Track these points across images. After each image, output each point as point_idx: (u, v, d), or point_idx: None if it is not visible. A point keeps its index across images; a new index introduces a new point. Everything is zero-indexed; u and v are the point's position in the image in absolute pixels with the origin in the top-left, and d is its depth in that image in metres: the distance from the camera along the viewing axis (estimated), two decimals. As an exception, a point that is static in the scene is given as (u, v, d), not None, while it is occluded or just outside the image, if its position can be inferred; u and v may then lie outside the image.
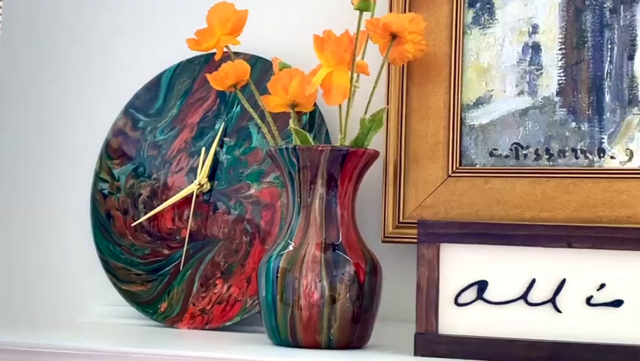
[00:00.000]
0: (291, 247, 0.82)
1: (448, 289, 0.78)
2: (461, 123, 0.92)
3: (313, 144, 0.84)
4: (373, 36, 0.85)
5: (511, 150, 0.90)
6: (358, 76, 0.85)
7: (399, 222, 0.92)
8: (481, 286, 0.78)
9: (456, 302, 0.78)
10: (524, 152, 0.90)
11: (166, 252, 1.04)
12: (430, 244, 0.78)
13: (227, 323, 0.97)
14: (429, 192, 0.91)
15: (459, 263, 0.78)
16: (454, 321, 0.78)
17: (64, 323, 1.06)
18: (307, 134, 0.84)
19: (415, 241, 0.90)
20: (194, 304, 1.00)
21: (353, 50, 0.80)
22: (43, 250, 1.14)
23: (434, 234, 0.78)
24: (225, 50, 0.91)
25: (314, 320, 0.80)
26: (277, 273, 0.81)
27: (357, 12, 0.82)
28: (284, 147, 0.83)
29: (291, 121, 0.87)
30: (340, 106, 0.83)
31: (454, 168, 0.91)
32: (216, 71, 0.88)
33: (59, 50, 1.17)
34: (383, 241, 0.93)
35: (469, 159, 0.91)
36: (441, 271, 0.78)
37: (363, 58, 0.86)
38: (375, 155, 0.84)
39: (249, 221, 0.99)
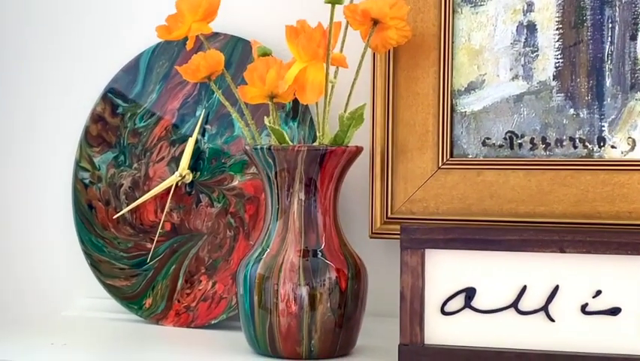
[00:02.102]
0: (268, 253, 0.79)
1: (433, 297, 0.75)
2: (452, 111, 0.87)
3: (290, 143, 0.80)
4: (352, 23, 0.80)
5: (505, 139, 0.86)
6: (337, 69, 0.80)
7: (387, 217, 0.89)
8: (469, 293, 0.75)
9: (442, 311, 0.75)
10: (519, 141, 0.86)
11: (149, 246, 1.01)
12: (414, 250, 0.75)
13: (212, 321, 0.95)
14: (418, 186, 0.88)
15: (445, 270, 0.75)
16: (440, 331, 0.75)
17: (49, 317, 1.05)
18: (284, 132, 0.81)
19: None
20: (179, 301, 0.98)
21: (327, 45, 0.76)
22: (26, 242, 1.13)
23: (418, 240, 0.75)
24: (200, 37, 0.87)
25: (293, 329, 0.77)
26: (255, 280, 0.79)
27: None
28: (259, 147, 0.79)
29: (266, 118, 0.83)
30: (317, 103, 0.79)
31: (445, 160, 0.87)
32: (187, 64, 0.84)
33: (31, 32, 1.13)
34: (371, 237, 0.90)
35: (460, 149, 0.87)
36: (426, 278, 0.75)
37: (343, 47, 0.82)
38: (357, 152, 0.80)
39: (233, 214, 0.97)
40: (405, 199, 0.88)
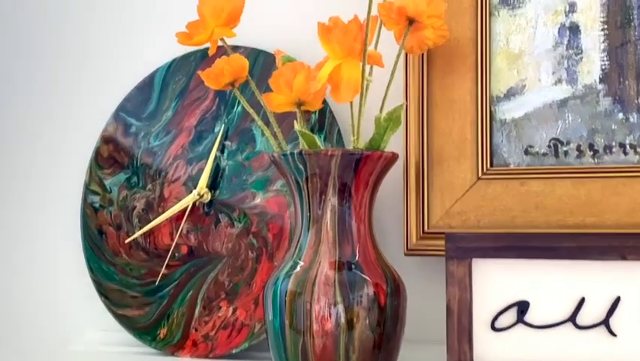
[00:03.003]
0: (300, 267, 0.74)
1: (483, 311, 0.70)
2: (491, 118, 0.83)
3: (322, 147, 0.75)
4: (387, 22, 0.76)
5: (549, 146, 0.81)
6: (371, 68, 0.76)
7: (423, 232, 0.84)
8: (522, 307, 0.69)
9: (492, 327, 0.70)
10: (565, 148, 0.81)
11: (165, 271, 0.96)
12: (460, 260, 0.70)
13: (233, 351, 0.89)
14: (456, 198, 0.83)
15: (495, 281, 0.70)
16: (490, 349, 0.69)
17: (55, 353, 0.99)
18: (315, 136, 0.76)
19: (443, 253, 0.82)
20: (196, 330, 0.92)
21: (364, 39, 0.72)
22: (30, 270, 1.07)
23: (465, 248, 0.70)
24: (221, 43, 0.83)
25: (329, 350, 0.71)
26: (285, 297, 0.73)
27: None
28: (288, 152, 0.74)
29: (296, 122, 0.79)
30: (351, 103, 0.75)
31: (485, 169, 0.82)
32: (210, 68, 0.80)
33: (40, 51, 1.10)
34: (406, 255, 0.84)
35: (501, 158, 0.83)
36: (474, 291, 0.70)
37: (376, 47, 0.78)
38: (393, 158, 0.76)
39: (255, 234, 0.91)
40: (442, 212, 0.83)
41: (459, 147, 0.83)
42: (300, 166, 0.74)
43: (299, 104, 0.80)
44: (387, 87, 0.76)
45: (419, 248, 0.84)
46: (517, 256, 0.69)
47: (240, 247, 0.92)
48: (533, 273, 0.69)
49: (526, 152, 0.82)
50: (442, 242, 0.82)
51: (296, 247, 0.76)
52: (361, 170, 0.74)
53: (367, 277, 0.73)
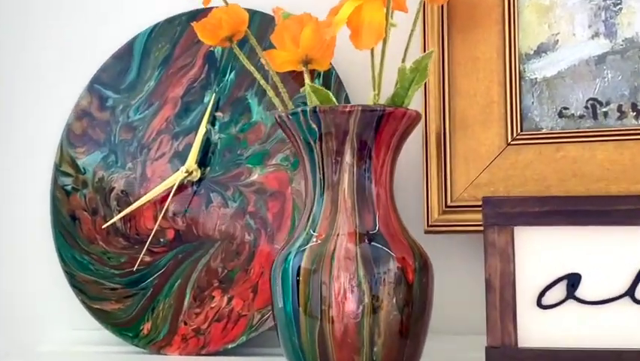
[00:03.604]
0: (314, 240, 0.65)
1: (527, 286, 0.62)
2: (520, 77, 0.76)
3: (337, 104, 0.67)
4: (408, -36, 0.69)
5: (586, 107, 0.74)
6: (393, 13, 0.69)
7: (446, 206, 0.76)
8: (572, 280, 0.62)
9: (539, 304, 0.62)
10: (604, 109, 0.74)
11: (148, 259, 0.87)
12: (502, 227, 0.62)
13: (229, 346, 0.80)
14: (483, 167, 0.75)
15: (541, 251, 0.62)
16: (537, 328, 0.62)
17: (23, 355, 0.89)
18: (329, 92, 0.68)
19: (467, 229, 0.75)
20: (185, 323, 0.83)
21: (388, -24, 0.64)
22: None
23: (506, 214, 0.62)
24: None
25: (351, 335, 0.63)
26: (298, 276, 0.64)
27: None
28: (299, 110, 0.66)
29: (306, 77, 0.71)
30: (372, 52, 0.67)
31: (515, 134, 0.75)
32: (206, 19, 0.72)
33: (6, 21, 1.00)
34: (426, 232, 0.77)
35: (532, 122, 0.75)
36: (517, 262, 0.62)
37: (396, -7, 0.70)
38: (417, 118, 0.68)
39: (253, 215, 0.83)
40: (467, 184, 0.76)
41: (484, 111, 0.76)
42: (313, 125, 0.66)
43: (306, 62, 0.72)
44: (410, 35, 0.69)
45: (441, 224, 0.76)
46: (567, 222, 0.61)
47: (235, 229, 0.84)
48: (586, 241, 0.61)
49: (561, 114, 0.75)
50: (467, 217, 0.76)
51: (308, 218, 0.67)
52: (383, 129, 0.66)
53: (392, 251, 0.65)
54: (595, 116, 0.74)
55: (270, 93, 0.72)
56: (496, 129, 0.75)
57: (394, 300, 0.64)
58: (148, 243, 0.86)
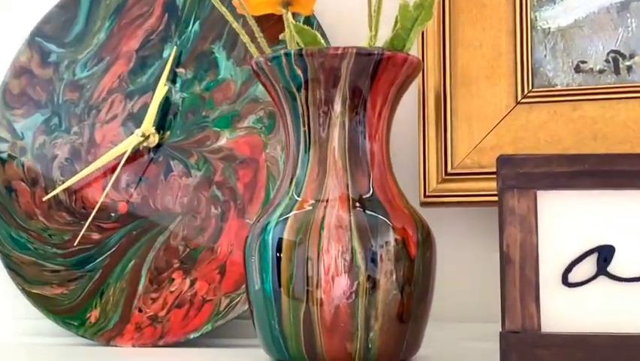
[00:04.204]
0: (298, 207, 0.56)
1: (552, 261, 0.54)
2: (531, 27, 0.68)
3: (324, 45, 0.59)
4: None
5: (607, 61, 0.67)
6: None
7: (446, 173, 0.68)
8: (605, 254, 0.54)
9: (565, 281, 0.54)
10: (627, 63, 0.66)
11: (96, 236, 0.77)
12: (523, 190, 0.54)
13: (191, 335, 0.71)
14: (489, 128, 0.67)
15: (569, 220, 0.54)
16: (563, 311, 0.53)
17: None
18: (317, 33, 0.59)
19: (470, 200, 0.67)
20: (140, 310, 0.73)
21: None
22: None
23: (528, 175, 0.54)
24: None
25: (343, 318, 0.54)
26: (280, 249, 0.55)
27: None
28: (282, 52, 0.57)
29: (288, 19, 0.62)
30: (369, -15, 0.58)
31: (526, 91, 0.67)
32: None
33: None
34: (423, 203, 0.68)
35: (544, 77, 0.67)
36: (541, 232, 0.54)
37: None
38: (419, 65, 0.59)
39: (220, 185, 0.73)
40: (470, 148, 0.67)
41: (491, 64, 0.68)
42: (298, 71, 0.57)
43: (287, 4, 0.63)
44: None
45: (439, 194, 0.68)
46: (601, 184, 0.53)
47: (200, 201, 0.74)
48: (622, 208, 0.53)
49: (578, 69, 0.67)
50: (470, 185, 0.67)
51: (291, 182, 0.58)
52: (380, 77, 0.57)
53: (391, 220, 0.56)
54: (617, 70, 0.66)
55: (245, 39, 0.63)
56: (504, 86, 0.67)
57: (394, 277, 0.55)
58: (91, 217, 0.76)
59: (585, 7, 0.67)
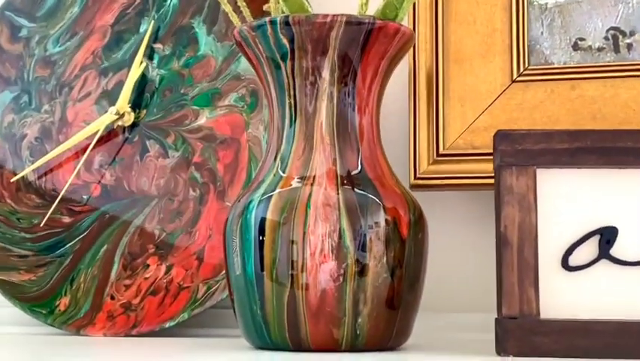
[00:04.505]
0: (283, 185, 0.53)
1: (552, 242, 0.51)
2: (527, 2, 0.65)
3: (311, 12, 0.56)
4: None
5: (606, 38, 0.64)
6: None
7: (437, 154, 0.65)
8: (608, 235, 0.51)
9: (565, 265, 0.51)
10: (627, 41, 0.64)
11: (66, 220, 0.73)
12: (522, 168, 0.51)
13: (167, 324, 0.67)
14: (483, 108, 0.64)
15: (570, 199, 0.51)
16: (564, 296, 0.51)
17: None
18: (304, 0, 0.56)
19: (463, 182, 0.64)
20: (113, 298, 0.70)
21: None
22: None
23: (528, 152, 0.51)
24: None
25: (330, 303, 0.51)
26: (262, 230, 0.52)
27: None
28: (267, 19, 0.54)
29: (266, 5, 0.59)
30: (361, -52, 0.55)
31: (522, 69, 0.64)
32: None
33: None
34: (413, 186, 0.65)
35: (540, 55, 0.65)
36: (540, 212, 0.51)
37: None
38: (411, 37, 0.57)
39: (199, 166, 0.70)
40: (463, 128, 0.65)
41: (485, 41, 0.65)
42: (284, 40, 0.54)
43: (271, -29, 0.60)
44: (405, -64, 0.57)
45: (431, 176, 0.65)
46: (604, 162, 0.50)
47: (177, 183, 0.71)
48: (626, 187, 0.51)
49: (576, 46, 0.65)
50: (462, 167, 0.65)
51: (275, 158, 0.55)
52: (371, 48, 0.54)
53: (382, 199, 0.53)
54: (617, 48, 0.64)
55: (227, 8, 0.60)
56: (498, 63, 0.65)
57: (384, 260, 0.52)
58: (59, 198, 0.72)
59: (584, -18, 0.65)
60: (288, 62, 0.55)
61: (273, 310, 0.52)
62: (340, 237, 0.51)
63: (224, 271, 0.66)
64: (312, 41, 0.54)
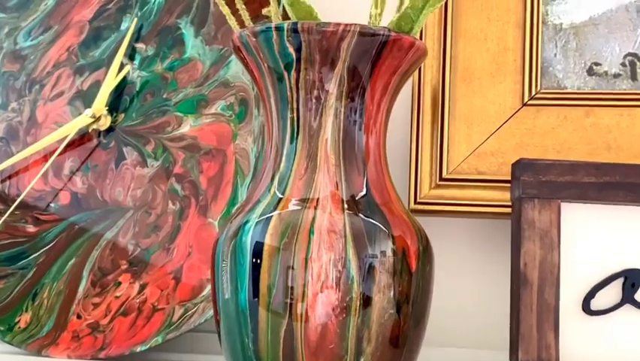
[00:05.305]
0: (282, 207, 0.49)
1: (573, 284, 0.48)
2: (541, 22, 0.62)
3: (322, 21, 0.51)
4: None
5: (623, 65, 0.61)
6: None
7: (440, 178, 0.61)
8: (632, 278, 0.48)
9: (586, 309, 0.48)
10: (645, 68, 0.61)
11: (31, 229, 0.68)
12: (545, 201, 0.47)
13: (138, 348, 0.62)
14: (491, 131, 0.61)
15: (594, 237, 0.48)
16: (583, 343, 0.47)
17: None
18: (312, 7, 0.52)
19: (466, 210, 0.60)
20: (79, 317, 0.64)
21: None
22: None
23: (552, 184, 0.47)
24: None
25: (331, 339, 0.47)
26: (259, 254, 0.48)
27: None
28: (273, 25, 0.50)
29: (265, 9, 0.55)
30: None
31: (534, 92, 0.61)
32: None
33: None
34: (413, 211, 0.61)
35: (553, 78, 0.61)
36: (563, 250, 0.47)
37: None
38: (424, 53, 0.53)
39: (180, 178, 0.65)
40: (468, 152, 0.61)
41: (496, 59, 0.61)
42: (290, 49, 0.50)
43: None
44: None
45: (433, 201, 0.61)
46: (632, 199, 0.47)
47: (156, 195, 0.66)
48: (653, 226, 0.48)
49: (591, 71, 0.61)
50: (466, 193, 0.61)
51: (273, 177, 0.51)
52: (384, 62, 0.50)
53: (391, 227, 0.49)
54: (634, 75, 0.61)
55: (225, 10, 0.55)
56: (509, 84, 0.61)
57: (391, 294, 0.48)
58: (17, 202, 0.67)
59: (602, 3, 0.62)
60: (293, 73, 0.50)
61: (267, 343, 0.47)
62: (345, 266, 0.47)
63: (203, 294, 0.62)
64: (320, 51, 0.49)
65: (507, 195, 0.59)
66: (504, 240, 0.65)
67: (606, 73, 0.61)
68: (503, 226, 0.63)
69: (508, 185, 0.59)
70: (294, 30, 0.49)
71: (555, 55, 0.62)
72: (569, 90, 0.61)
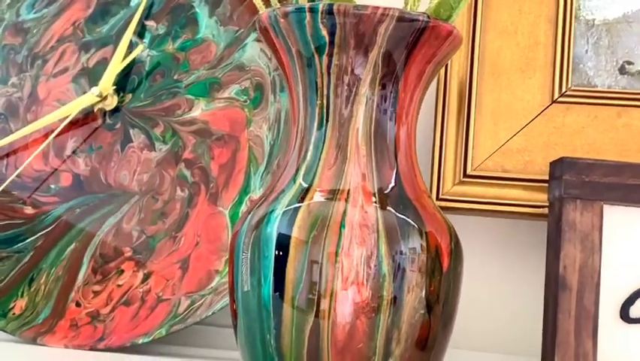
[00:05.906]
0: (309, 198, 0.46)
1: (613, 289, 0.46)
2: (574, 17, 0.60)
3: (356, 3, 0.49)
4: None
5: (656, 65, 0.59)
6: None
7: (464, 175, 0.59)
8: (674, 286, 0.46)
9: (624, 316, 0.46)
10: (679, 69, 0.59)
11: (29, 210, 0.65)
12: (587, 202, 0.45)
13: (140, 340, 0.60)
14: (518, 128, 0.59)
15: (636, 242, 0.46)
16: (622, 351, 0.45)
17: None
18: (348, -13, 0.49)
19: (490, 208, 0.58)
20: (78, 304, 0.62)
21: None
22: None
23: (595, 185, 0.45)
24: None
25: (360, 338, 0.44)
26: (285, 247, 0.45)
27: None
28: (306, 6, 0.47)
29: None
30: None
31: (564, 89, 0.59)
32: None
33: None
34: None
35: (584, 75, 0.60)
36: (604, 254, 0.46)
37: None
38: (460, 42, 0.50)
39: (190, 163, 0.63)
40: (494, 148, 0.59)
41: (526, 54, 0.59)
42: (323, 32, 0.47)
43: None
44: None
45: (456, 198, 0.59)
46: (677, 203, 0.46)
47: (163, 180, 0.63)
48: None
49: (623, 70, 0.60)
50: (490, 191, 0.59)
51: (299, 166, 0.48)
52: (420, 50, 0.48)
53: (424, 223, 0.47)
54: (667, 77, 0.59)
55: (250, -12, 0.53)
56: (539, 80, 0.59)
57: (423, 293, 0.46)
58: (8, 182, 0.64)
59: (637, 0, 0.60)
60: (324, 58, 0.48)
61: (290, 341, 0.45)
62: (377, 263, 0.45)
63: (211, 285, 0.59)
64: (356, 35, 0.47)
65: (533, 194, 0.57)
66: (527, 241, 0.63)
67: (639, 72, 0.59)
68: (527, 226, 0.62)
69: (534, 184, 0.57)
70: (329, 12, 0.47)
71: (586, 51, 0.60)
72: (600, 89, 0.59)
